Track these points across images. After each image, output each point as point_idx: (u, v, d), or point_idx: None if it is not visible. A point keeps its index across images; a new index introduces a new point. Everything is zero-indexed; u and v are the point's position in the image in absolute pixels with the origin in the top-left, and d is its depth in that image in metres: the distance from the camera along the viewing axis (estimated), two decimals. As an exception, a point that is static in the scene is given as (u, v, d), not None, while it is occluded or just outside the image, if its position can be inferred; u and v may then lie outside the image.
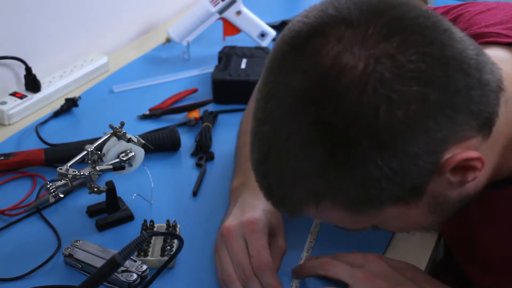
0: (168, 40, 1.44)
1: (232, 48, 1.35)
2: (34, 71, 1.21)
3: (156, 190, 0.97)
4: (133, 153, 0.91)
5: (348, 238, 0.87)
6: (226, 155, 1.07)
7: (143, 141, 0.91)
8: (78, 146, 0.95)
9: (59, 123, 1.17)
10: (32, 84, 1.21)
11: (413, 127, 0.54)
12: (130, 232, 0.90)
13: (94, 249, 0.84)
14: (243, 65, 1.27)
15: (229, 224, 0.81)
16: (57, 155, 1.03)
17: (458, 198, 0.64)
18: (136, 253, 0.84)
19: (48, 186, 0.83)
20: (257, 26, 1.45)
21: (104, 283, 0.80)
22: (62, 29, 1.32)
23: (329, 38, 0.56)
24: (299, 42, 0.58)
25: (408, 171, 0.56)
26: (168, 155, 1.08)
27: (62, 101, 1.21)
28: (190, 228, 0.91)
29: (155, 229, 0.88)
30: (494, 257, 0.79)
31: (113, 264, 0.66)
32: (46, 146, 1.08)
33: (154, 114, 1.18)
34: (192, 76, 1.35)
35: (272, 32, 1.46)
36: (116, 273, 0.78)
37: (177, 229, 0.89)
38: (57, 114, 1.19)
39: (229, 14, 1.42)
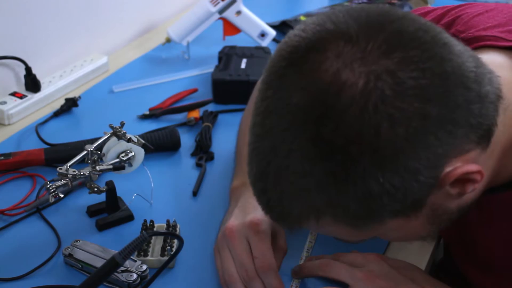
0: (168, 40, 1.44)
1: (232, 48, 1.35)
2: (34, 71, 1.21)
3: (156, 190, 0.97)
4: (133, 153, 0.91)
5: (348, 238, 0.87)
6: (226, 155, 1.07)
7: (143, 141, 0.91)
8: (78, 146, 0.96)
9: (59, 123, 1.17)
10: (32, 84, 1.21)
11: (414, 144, 0.54)
12: (130, 232, 0.90)
13: (94, 249, 0.84)
14: (243, 65, 1.27)
15: (231, 225, 0.81)
16: (57, 155, 1.03)
17: (456, 209, 0.64)
18: (136, 253, 0.84)
19: (48, 186, 0.83)
20: (257, 26, 1.45)
21: (104, 283, 0.80)
22: (62, 29, 1.32)
23: (327, 54, 0.55)
24: (297, 58, 0.57)
25: (409, 186, 0.56)
26: (168, 155, 1.08)
27: (62, 101, 1.21)
28: (190, 228, 0.91)
29: (155, 229, 0.88)
30: (493, 259, 0.79)
31: (113, 264, 0.66)
32: (46, 146, 1.08)
33: (154, 114, 1.19)
34: (192, 76, 1.35)
35: (272, 32, 1.46)
36: (116, 273, 0.78)
37: (177, 229, 0.89)
38: (57, 114, 1.19)
39: (229, 14, 1.42)
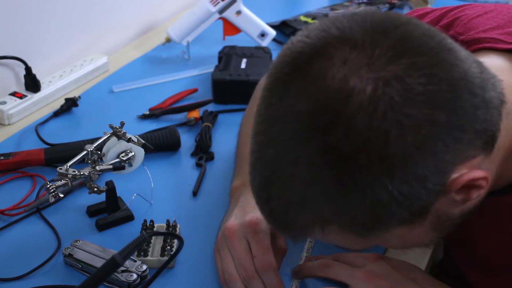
0: (168, 40, 1.44)
1: (232, 48, 1.35)
2: (34, 71, 1.21)
3: (156, 190, 0.97)
4: (133, 153, 0.91)
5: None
6: (226, 155, 1.07)
7: (143, 141, 0.91)
8: (78, 146, 0.96)
9: (59, 123, 1.17)
10: (32, 84, 1.21)
11: (423, 150, 0.53)
12: (130, 232, 0.90)
13: (94, 249, 0.84)
14: (243, 65, 1.27)
15: (231, 225, 0.81)
16: (57, 155, 1.03)
17: (459, 214, 0.63)
18: (136, 253, 0.84)
19: (48, 186, 0.83)
20: (257, 26, 1.45)
21: (104, 283, 0.80)
22: (62, 29, 1.32)
23: (333, 60, 0.54)
24: (302, 64, 0.55)
25: (417, 194, 0.55)
26: (168, 155, 1.08)
27: (62, 101, 1.21)
28: (190, 228, 0.91)
29: (155, 229, 0.88)
30: (493, 261, 0.79)
31: (113, 264, 0.66)
32: (46, 146, 1.08)
33: (154, 114, 1.19)
34: (192, 76, 1.35)
35: (272, 32, 1.46)
36: (116, 273, 0.78)
37: (177, 229, 0.89)
38: (57, 114, 1.19)
39: (229, 14, 1.42)
